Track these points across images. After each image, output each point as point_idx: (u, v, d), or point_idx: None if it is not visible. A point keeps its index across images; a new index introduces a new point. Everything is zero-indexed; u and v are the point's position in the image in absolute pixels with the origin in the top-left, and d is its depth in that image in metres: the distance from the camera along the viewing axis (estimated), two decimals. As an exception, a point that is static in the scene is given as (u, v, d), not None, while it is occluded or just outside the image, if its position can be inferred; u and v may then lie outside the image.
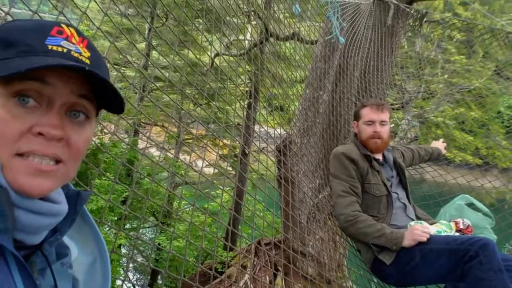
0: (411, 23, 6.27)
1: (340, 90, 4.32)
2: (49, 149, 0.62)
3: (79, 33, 0.68)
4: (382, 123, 2.71)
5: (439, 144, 3.59)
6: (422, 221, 2.55)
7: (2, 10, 1.36)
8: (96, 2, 1.63)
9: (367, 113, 2.74)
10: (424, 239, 2.28)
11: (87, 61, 0.66)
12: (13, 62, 0.60)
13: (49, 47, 0.63)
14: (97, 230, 0.81)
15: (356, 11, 4.48)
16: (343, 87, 4.32)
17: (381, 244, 2.39)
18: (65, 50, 0.64)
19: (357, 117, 2.82)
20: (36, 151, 0.61)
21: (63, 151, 0.64)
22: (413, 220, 2.62)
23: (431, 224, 2.56)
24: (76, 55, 0.65)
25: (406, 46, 7.97)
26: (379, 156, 2.78)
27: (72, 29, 0.67)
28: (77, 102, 0.66)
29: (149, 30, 8.52)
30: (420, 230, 2.33)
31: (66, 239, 0.75)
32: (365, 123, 2.74)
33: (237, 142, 8.24)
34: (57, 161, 0.64)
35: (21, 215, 0.61)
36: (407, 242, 2.32)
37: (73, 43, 0.66)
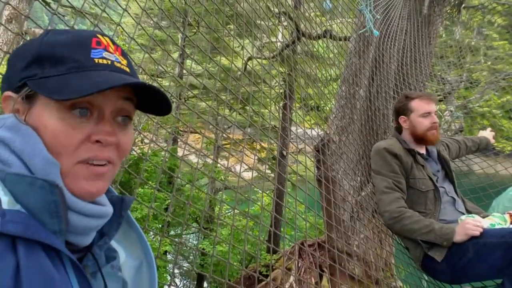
0: (448, 11, 6.03)
1: (377, 84, 4.21)
2: (105, 153, 0.68)
3: (113, 42, 0.72)
4: (436, 113, 2.63)
5: (487, 134, 3.41)
6: (474, 215, 2.43)
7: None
8: (130, 15, 1.66)
9: (420, 105, 2.63)
10: (477, 233, 2.17)
11: (127, 69, 0.71)
12: (72, 80, 0.64)
13: (96, 60, 0.68)
14: (142, 235, 0.84)
15: (389, 2, 4.36)
16: (379, 81, 4.22)
17: (431, 240, 2.29)
18: (109, 62, 0.69)
19: (406, 111, 2.67)
20: (95, 157, 0.67)
21: (114, 153, 0.70)
22: (463, 214, 2.51)
23: (483, 217, 2.43)
24: (118, 65, 0.70)
25: (444, 35, 7.69)
26: (422, 150, 2.67)
27: (107, 38, 0.71)
28: (122, 107, 0.71)
29: (183, 39, 8.67)
30: (472, 224, 2.21)
31: (114, 244, 0.78)
32: (421, 115, 2.62)
33: (275, 144, 8.22)
34: (108, 163, 0.69)
35: (73, 217, 0.65)
36: (458, 237, 2.21)
37: (111, 53, 0.70)
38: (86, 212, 0.67)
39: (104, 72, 0.67)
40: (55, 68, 0.65)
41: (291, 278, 4.67)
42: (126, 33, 1.82)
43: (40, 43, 0.68)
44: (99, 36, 0.70)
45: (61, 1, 1.66)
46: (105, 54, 0.69)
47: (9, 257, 0.55)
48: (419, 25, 5.08)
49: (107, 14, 1.78)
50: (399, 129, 2.77)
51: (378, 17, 3.84)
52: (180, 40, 8.89)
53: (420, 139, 2.63)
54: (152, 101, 0.73)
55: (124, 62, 0.72)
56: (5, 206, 0.59)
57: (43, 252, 0.58)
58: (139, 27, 1.74)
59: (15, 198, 0.60)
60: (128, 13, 1.68)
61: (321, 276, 4.40)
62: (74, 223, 0.65)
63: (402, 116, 2.69)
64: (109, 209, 0.72)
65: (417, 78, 4.82)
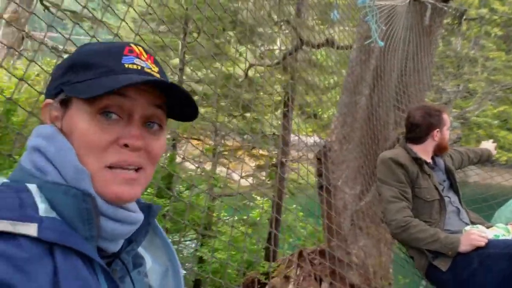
0: (449, 22, 6.10)
1: (378, 93, 4.24)
2: (133, 158, 0.68)
3: (146, 51, 0.74)
4: None
5: (489, 145, 3.43)
6: (478, 225, 2.44)
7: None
8: (126, 23, 1.66)
9: (447, 119, 2.69)
10: (482, 243, 2.18)
11: (158, 75, 0.72)
12: (100, 81, 0.66)
13: (126, 65, 0.70)
14: (168, 241, 0.85)
15: (392, 13, 4.40)
16: (381, 90, 4.25)
17: (436, 250, 2.29)
18: (139, 67, 0.70)
19: (440, 124, 2.64)
20: (123, 161, 0.67)
21: (143, 158, 0.70)
22: (467, 224, 2.52)
23: (487, 228, 2.44)
24: (148, 71, 0.71)
25: (441, 45, 7.76)
26: (429, 160, 2.69)
27: (140, 48, 0.74)
28: (153, 114, 0.71)
29: (183, 45, 8.68)
30: (477, 234, 2.22)
31: (140, 250, 0.79)
32: (448, 128, 2.69)
33: (274, 153, 8.23)
34: (138, 169, 0.70)
35: (104, 223, 0.66)
36: (463, 247, 2.22)
37: (143, 60, 0.72)
38: (117, 218, 0.68)
39: (136, 75, 0.69)
40: (88, 73, 0.68)
41: (290, 286, 4.66)
42: (120, 39, 1.82)
43: (77, 53, 0.72)
44: (132, 45, 0.73)
45: (62, 5, 1.67)
46: (136, 60, 0.71)
47: (48, 262, 0.57)
48: (420, 35, 5.13)
49: (103, 23, 1.79)
50: (412, 142, 2.71)
51: (384, 28, 3.87)
52: (180, 46, 8.90)
53: (442, 149, 2.69)
54: (179, 106, 0.75)
55: (156, 69, 0.73)
56: (42, 213, 0.61)
57: (77, 257, 0.60)
58: (139, 32, 1.74)
59: (51, 206, 0.63)
60: (125, 22, 1.68)
61: (320, 284, 4.40)
62: (105, 228, 0.67)
63: (437, 129, 2.65)
64: (139, 215, 0.74)
65: (418, 88, 4.86)
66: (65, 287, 0.56)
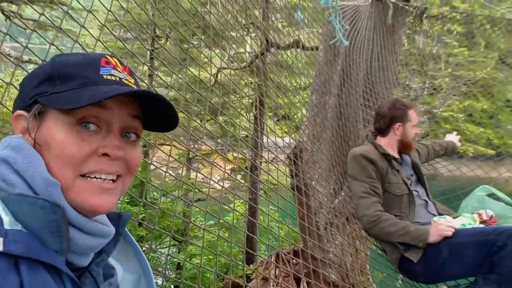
0: (411, 20, 6.27)
1: (346, 92, 4.31)
2: (112, 168, 0.69)
3: (121, 62, 0.75)
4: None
5: (453, 138, 3.55)
6: (446, 216, 2.52)
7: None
8: (87, 29, 1.64)
9: (415, 116, 2.71)
10: (450, 233, 2.25)
11: (134, 86, 0.73)
12: (82, 92, 0.66)
13: (105, 76, 0.70)
14: (139, 249, 0.84)
15: (355, 14, 4.49)
16: (349, 89, 4.31)
17: (407, 242, 2.36)
18: (117, 79, 0.71)
19: (404, 119, 2.70)
20: (101, 170, 0.67)
21: (122, 168, 0.70)
22: (435, 216, 2.59)
23: (454, 218, 2.52)
24: (126, 82, 0.73)
25: (406, 44, 7.96)
26: (397, 156, 2.76)
27: (115, 59, 0.74)
28: (130, 124, 0.72)
29: (150, 51, 8.60)
30: (444, 225, 2.29)
31: (111, 260, 0.78)
32: (414, 126, 2.71)
33: (247, 155, 8.24)
34: (117, 177, 0.70)
35: (75, 235, 0.65)
36: (432, 238, 2.28)
37: (120, 71, 0.73)
38: (88, 230, 0.67)
39: (113, 86, 0.69)
40: (66, 85, 0.67)
41: (269, 287, 4.66)
42: (83, 47, 1.78)
43: (52, 64, 0.71)
44: (108, 56, 0.73)
45: (21, 15, 1.63)
46: (113, 71, 0.71)
47: (13, 276, 0.55)
48: (384, 35, 5.25)
49: (63, 31, 1.76)
50: (378, 134, 2.79)
51: (347, 27, 3.94)
52: (148, 53, 8.82)
53: (405, 147, 2.72)
54: (159, 116, 0.75)
55: (132, 80, 0.74)
56: (6, 226, 0.59)
57: (45, 270, 0.59)
58: (101, 39, 1.72)
59: (16, 218, 0.61)
60: (87, 30, 1.66)
61: (298, 283, 4.42)
62: (75, 241, 0.65)
63: (398, 123, 2.70)
64: (112, 229, 0.73)
65: (386, 86, 4.97)
66: None
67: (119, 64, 0.74)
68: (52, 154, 0.65)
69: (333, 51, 4.20)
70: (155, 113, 0.74)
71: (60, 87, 0.67)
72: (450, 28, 8.32)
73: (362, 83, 4.60)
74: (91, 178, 0.67)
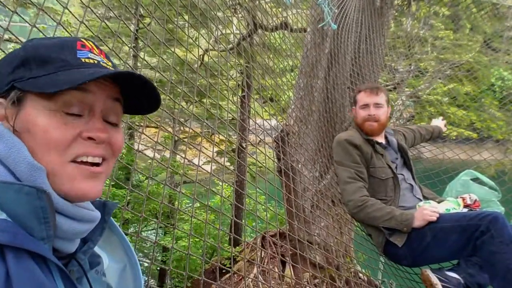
0: (400, 3, 6.23)
1: (334, 75, 4.29)
2: (98, 150, 0.69)
3: (97, 46, 0.74)
4: (376, 105, 2.71)
5: (439, 122, 3.58)
6: (430, 201, 2.55)
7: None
8: (70, 11, 1.58)
9: (361, 97, 2.77)
10: (434, 218, 2.28)
11: (112, 69, 0.72)
12: (61, 76, 0.65)
13: (82, 60, 0.69)
14: (124, 237, 0.85)
15: (344, -5, 4.43)
16: (336, 72, 4.30)
17: (392, 227, 2.39)
18: (95, 62, 0.70)
19: (354, 102, 2.83)
20: (88, 152, 0.67)
21: (107, 151, 0.71)
22: (420, 200, 2.62)
23: (439, 202, 2.56)
24: (104, 65, 0.71)
25: (393, 26, 7.94)
26: (381, 140, 2.77)
27: (90, 43, 0.73)
28: (112, 107, 0.72)
29: (134, 31, 8.43)
30: (429, 210, 2.32)
31: (97, 249, 0.79)
32: (360, 107, 2.76)
33: (234, 137, 8.21)
34: (102, 161, 0.70)
35: (61, 221, 0.65)
36: (417, 222, 2.31)
37: (96, 55, 0.72)
38: (75, 216, 0.67)
39: (93, 68, 0.68)
40: (43, 69, 0.66)
41: (255, 269, 4.71)
42: (66, 30, 1.72)
43: (25, 48, 0.69)
44: (83, 40, 0.72)
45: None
46: (90, 55, 0.70)
47: None
48: (372, 17, 5.21)
49: (43, 11, 1.69)
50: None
51: (336, 10, 3.90)
52: (132, 32, 8.64)
53: (360, 129, 2.76)
54: (141, 98, 0.75)
55: (110, 63, 0.73)
56: None
57: (31, 259, 0.58)
58: (84, 20, 1.66)
59: (0, 207, 0.59)
60: (69, 10, 1.60)
61: (284, 265, 4.47)
62: (62, 227, 0.64)
63: (353, 107, 2.85)
64: (97, 214, 0.73)
65: (373, 69, 4.96)
66: None
67: (94, 47, 0.73)
68: (34, 140, 0.64)
69: (321, 34, 4.16)
70: (137, 95, 0.74)
71: (37, 72, 0.66)
72: (437, 11, 8.31)
73: (349, 66, 4.58)
74: (79, 163, 0.66)
